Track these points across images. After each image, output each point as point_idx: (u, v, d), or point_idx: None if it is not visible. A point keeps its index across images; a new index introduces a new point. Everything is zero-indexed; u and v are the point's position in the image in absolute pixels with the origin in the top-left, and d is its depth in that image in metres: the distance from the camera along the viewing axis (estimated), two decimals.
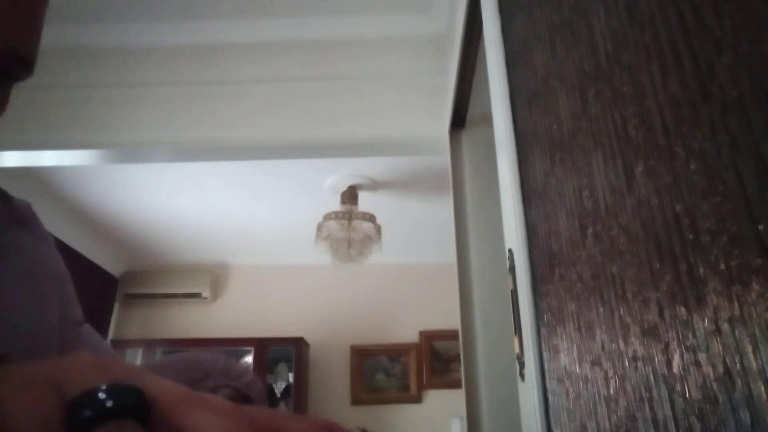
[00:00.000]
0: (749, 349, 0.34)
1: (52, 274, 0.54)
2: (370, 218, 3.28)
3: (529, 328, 0.89)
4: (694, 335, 0.41)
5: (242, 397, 0.52)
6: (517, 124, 1.04)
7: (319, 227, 3.26)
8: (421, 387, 4.41)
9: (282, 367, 4.30)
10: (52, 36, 2.32)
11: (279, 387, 4.22)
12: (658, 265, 0.47)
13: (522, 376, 0.95)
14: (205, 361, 0.53)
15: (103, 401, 0.23)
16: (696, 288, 0.41)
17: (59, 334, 0.52)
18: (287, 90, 2.36)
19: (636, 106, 0.52)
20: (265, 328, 4.39)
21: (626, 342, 0.54)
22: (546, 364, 0.84)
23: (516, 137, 1.03)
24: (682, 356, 0.43)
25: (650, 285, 0.49)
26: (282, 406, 4.18)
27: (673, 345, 0.45)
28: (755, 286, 0.34)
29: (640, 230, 0.51)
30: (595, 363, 0.62)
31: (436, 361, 4.47)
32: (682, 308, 0.43)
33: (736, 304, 0.36)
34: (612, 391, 0.58)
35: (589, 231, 0.65)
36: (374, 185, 3.42)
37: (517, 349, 0.98)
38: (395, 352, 4.51)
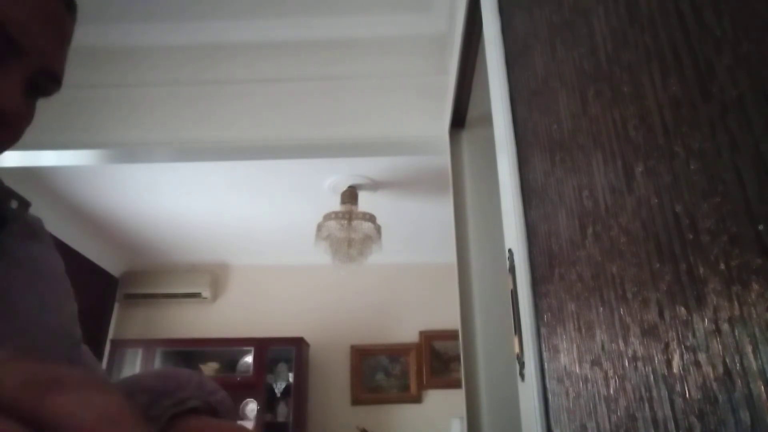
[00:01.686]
0: (749, 349, 0.34)
1: (63, 287, 0.55)
2: (370, 218, 3.28)
3: (529, 328, 0.89)
4: (694, 335, 0.41)
5: (211, 411, 0.53)
6: (517, 124, 1.04)
7: (319, 227, 3.26)
8: (421, 387, 4.41)
9: (282, 367, 4.30)
10: None
11: (279, 387, 4.22)
12: (658, 265, 0.47)
13: (522, 376, 0.95)
14: (181, 374, 0.55)
15: None
16: (696, 288, 0.41)
17: (70, 345, 0.53)
18: (287, 90, 2.36)
19: (636, 106, 0.52)
20: (265, 328, 4.39)
21: (626, 342, 0.54)
22: (546, 364, 0.84)
23: (516, 137, 1.03)
24: (682, 356, 0.43)
25: (650, 285, 0.49)
26: (282, 406, 4.18)
27: (673, 345, 0.45)
28: (755, 286, 0.34)
29: (640, 230, 0.51)
30: (595, 363, 0.62)
31: (436, 361, 4.47)
32: (682, 308, 0.43)
33: (736, 304, 0.36)
34: (612, 391, 0.58)
35: (589, 231, 0.65)
36: (374, 185, 3.42)
37: (517, 349, 0.98)
38: (395, 352, 4.51)
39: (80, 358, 0.56)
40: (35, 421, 0.19)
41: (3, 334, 0.43)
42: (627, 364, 0.54)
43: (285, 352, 4.28)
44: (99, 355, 4.16)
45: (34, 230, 0.55)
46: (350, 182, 3.36)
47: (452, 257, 1.84)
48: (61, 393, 0.20)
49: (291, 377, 4.21)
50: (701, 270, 0.40)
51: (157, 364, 4.20)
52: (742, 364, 0.35)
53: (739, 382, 0.35)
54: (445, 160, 2.10)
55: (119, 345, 4.32)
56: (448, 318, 3.41)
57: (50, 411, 0.19)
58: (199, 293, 4.56)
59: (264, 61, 2.40)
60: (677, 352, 0.44)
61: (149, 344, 4.29)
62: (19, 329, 0.45)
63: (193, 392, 0.52)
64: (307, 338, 4.42)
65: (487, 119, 1.71)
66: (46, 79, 0.45)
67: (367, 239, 3.27)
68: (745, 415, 0.35)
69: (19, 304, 0.47)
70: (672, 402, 0.45)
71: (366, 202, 3.44)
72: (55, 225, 3.58)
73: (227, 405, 0.55)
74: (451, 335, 4.16)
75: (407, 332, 4.55)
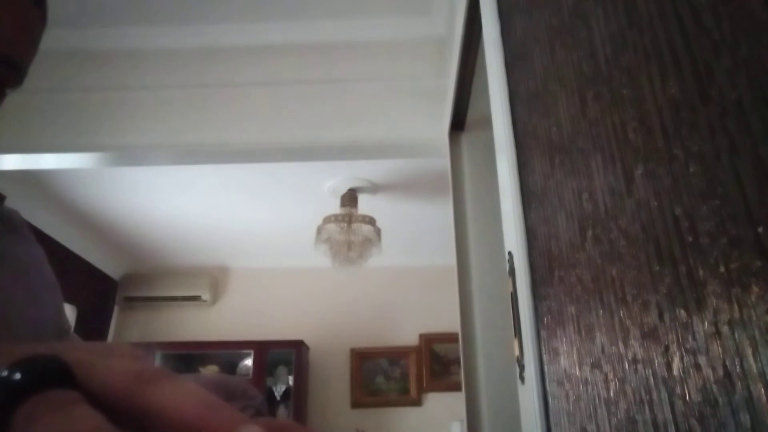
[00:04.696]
0: (749, 351, 0.34)
1: (47, 281, 0.55)
2: (370, 221, 3.28)
3: (529, 331, 0.89)
4: (693, 338, 0.41)
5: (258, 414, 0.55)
6: (517, 127, 1.04)
7: (319, 230, 3.26)
8: (421, 390, 4.41)
9: (282, 370, 4.29)
10: (52, 39, 2.32)
11: (279, 390, 4.21)
12: (657, 268, 0.47)
13: (522, 378, 0.95)
14: (229, 383, 0.57)
15: (7, 379, 0.20)
16: (696, 290, 0.41)
17: (58, 336, 0.53)
18: (287, 93, 2.36)
19: (635, 109, 0.52)
20: (264, 331, 4.39)
21: (626, 344, 0.54)
22: (546, 366, 0.84)
23: (516, 140, 1.04)
24: (682, 359, 0.43)
25: (650, 287, 0.49)
26: (282, 410, 4.17)
27: (673, 347, 0.45)
28: (755, 289, 0.34)
29: (640, 233, 0.51)
30: (595, 366, 0.62)
31: (436, 363, 4.47)
32: (682, 311, 0.43)
33: (735, 306, 0.36)
34: (612, 394, 0.58)
35: (589, 234, 0.65)
36: (374, 188, 3.42)
37: (517, 352, 0.98)
38: (395, 355, 4.51)
39: None
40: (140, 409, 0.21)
41: None
42: (627, 366, 0.54)
43: (285, 355, 4.28)
44: None
45: (13, 223, 0.54)
46: (350, 185, 3.37)
47: (452, 260, 1.84)
48: (162, 386, 0.21)
49: (291, 380, 4.21)
50: (701, 272, 0.40)
51: None
52: (742, 366, 0.35)
53: (739, 385, 0.35)
54: (444, 162, 2.10)
55: None
56: (448, 321, 3.41)
57: (154, 401, 0.21)
58: (199, 296, 4.55)
59: (263, 64, 2.40)
60: (677, 354, 0.44)
61: (149, 347, 4.28)
62: (5, 325, 0.45)
63: (244, 401, 0.52)
64: (307, 341, 4.41)
65: (486, 122, 1.71)
66: (5, 67, 0.44)
67: (366, 242, 3.27)
68: (745, 418, 0.35)
69: (4, 299, 0.46)
70: (672, 405, 0.45)
71: (366, 204, 3.44)
72: (55, 228, 3.58)
73: (266, 408, 0.56)
74: (451, 338, 4.16)
75: (407, 335, 4.55)
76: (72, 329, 0.60)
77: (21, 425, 0.19)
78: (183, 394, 0.21)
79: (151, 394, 0.21)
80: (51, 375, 0.20)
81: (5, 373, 0.20)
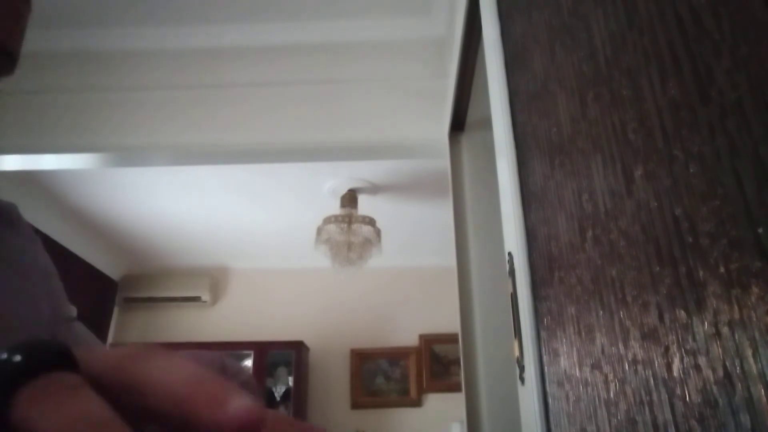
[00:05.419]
0: (749, 352, 0.34)
1: (41, 272, 0.54)
2: (370, 221, 3.28)
3: (529, 332, 0.89)
4: (694, 338, 0.41)
5: None
6: (517, 128, 1.04)
7: (319, 231, 3.26)
8: (421, 391, 4.40)
9: (282, 371, 4.29)
10: (51, 40, 2.32)
11: (279, 391, 4.21)
12: (657, 269, 0.47)
13: (522, 379, 0.94)
14: (202, 358, 0.54)
15: (7, 361, 0.19)
16: (696, 291, 0.41)
17: (51, 330, 0.52)
18: (287, 93, 2.36)
19: (635, 110, 0.52)
20: (264, 332, 4.39)
21: (626, 345, 0.54)
22: (546, 367, 0.84)
23: (515, 140, 1.04)
24: (682, 360, 0.43)
25: (650, 288, 0.49)
26: (282, 410, 4.17)
27: (673, 348, 0.44)
28: (755, 290, 0.34)
29: (640, 233, 0.51)
30: (595, 366, 0.62)
31: (436, 364, 4.46)
32: (682, 311, 0.43)
33: (735, 307, 0.36)
34: (612, 395, 0.58)
35: (589, 234, 0.65)
36: (374, 189, 3.42)
37: (517, 353, 0.98)
38: (395, 356, 4.51)
39: (72, 336, 0.55)
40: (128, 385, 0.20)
41: None
42: (627, 367, 0.54)
43: (285, 356, 4.28)
44: None
45: (10, 217, 0.54)
46: (350, 186, 3.37)
47: (452, 260, 1.84)
48: (152, 362, 0.21)
49: (291, 381, 4.21)
50: (701, 273, 0.40)
51: None
52: (742, 367, 0.35)
53: (739, 386, 0.35)
54: (444, 163, 2.10)
55: None
56: (448, 321, 3.41)
57: (142, 376, 0.20)
58: (199, 297, 4.55)
59: (263, 65, 2.40)
60: (677, 355, 0.44)
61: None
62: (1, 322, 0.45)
63: (235, 379, 0.51)
64: (307, 342, 4.41)
65: (486, 122, 1.71)
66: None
67: (366, 242, 3.27)
68: (745, 419, 0.35)
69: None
70: (672, 406, 0.45)
71: (366, 205, 3.44)
72: (55, 228, 3.57)
73: (252, 385, 0.55)
74: (451, 339, 4.16)
75: (407, 336, 4.54)
76: (76, 318, 0.59)
77: (22, 408, 0.18)
78: (173, 368, 0.21)
79: (141, 368, 0.21)
80: (52, 358, 0.20)
81: (5, 356, 0.19)
